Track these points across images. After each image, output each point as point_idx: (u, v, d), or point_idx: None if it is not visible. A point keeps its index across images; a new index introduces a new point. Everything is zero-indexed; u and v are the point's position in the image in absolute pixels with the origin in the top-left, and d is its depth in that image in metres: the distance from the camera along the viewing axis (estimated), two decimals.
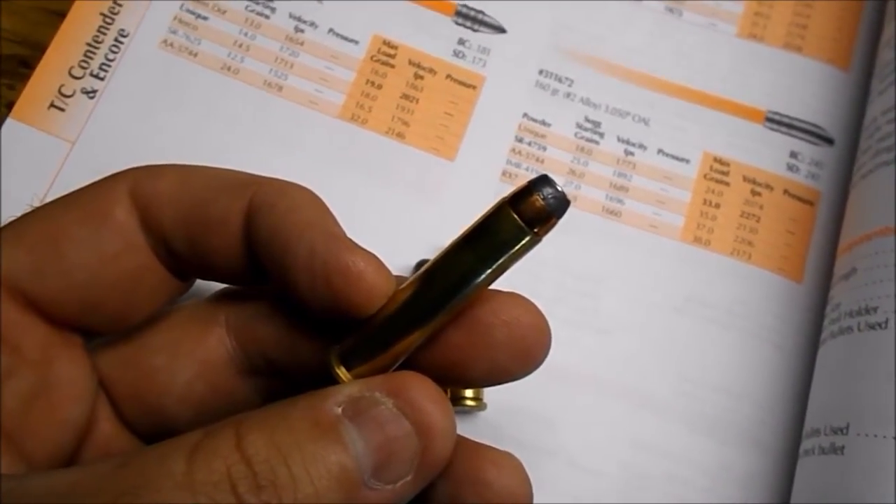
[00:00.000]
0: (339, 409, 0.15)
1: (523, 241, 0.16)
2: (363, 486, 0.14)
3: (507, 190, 0.28)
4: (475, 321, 0.17)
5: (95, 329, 0.18)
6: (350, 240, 0.17)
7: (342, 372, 0.16)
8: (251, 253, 0.18)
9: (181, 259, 0.18)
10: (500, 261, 0.16)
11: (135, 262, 0.18)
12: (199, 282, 0.26)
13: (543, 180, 0.16)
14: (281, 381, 0.19)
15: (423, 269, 0.17)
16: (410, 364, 0.17)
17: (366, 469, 0.14)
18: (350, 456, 0.14)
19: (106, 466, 0.14)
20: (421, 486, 0.15)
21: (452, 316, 0.17)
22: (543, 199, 0.16)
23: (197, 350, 0.18)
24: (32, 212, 0.18)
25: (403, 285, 0.17)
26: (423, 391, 0.15)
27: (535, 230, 0.16)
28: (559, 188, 0.16)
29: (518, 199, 0.16)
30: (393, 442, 0.15)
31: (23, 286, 0.17)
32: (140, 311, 0.18)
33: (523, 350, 0.17)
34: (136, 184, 0.18)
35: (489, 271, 0.16)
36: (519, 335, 0.17)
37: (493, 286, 0.17)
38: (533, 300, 0.27)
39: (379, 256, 0.17)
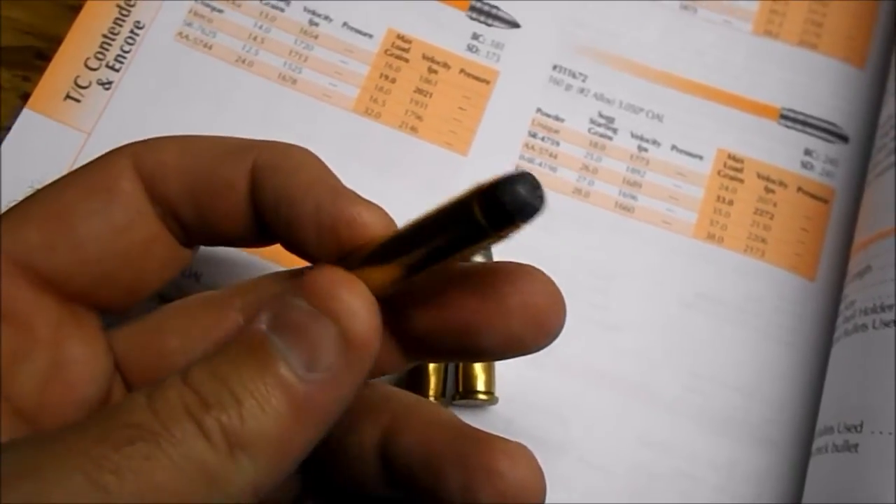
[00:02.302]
0: (264, 327, 0.15)
1: (482, 241, 0.15)
2: (300, 383, 0.15)
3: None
4: (490, 288, 0.17)
5: (108, 303, 0.18)
6: (354, 192, 0.17)
7: None
8: (257, 215, 0.18)
9: (188, 226, 0.18)
10: (459, 252, 0.16)
11: (145, 231, 0.18)
12: (211, 277, 0.26)
13: (518, 179, 0.14)
14: None
15: (395, 234, 0.17)
16: (427, 329, 0.17)
17: (298, 368, 0.15)
18: (280, 363, 0.15)
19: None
20: (360, 367, 0.16)
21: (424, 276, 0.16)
22: (513, 200, 0.14)
23: (211, 333, 0.19)
24: (36, 192, 0.18)
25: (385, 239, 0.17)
26: (329, 280, 0.16)
27: (498, 231, 0.15)
28: (536, 190, 0.14)
29: (486, 195, 0.14)
30: (312, 334, 0.15)
31: (34, 263, 0.17)
32: (151, 282, 0.19)
33: (537, 320, 0.17)
34: (138, 156, 0.18)
35: (447, 258, 0.16)
36: (533, 305, 0.17)
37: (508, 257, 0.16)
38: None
39: (379, 206, 0.17)
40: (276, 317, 0.16)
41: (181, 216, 0.18)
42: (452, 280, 0.17)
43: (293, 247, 0.18)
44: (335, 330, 0.15)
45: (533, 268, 0.17)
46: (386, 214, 0.17)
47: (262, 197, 0.18)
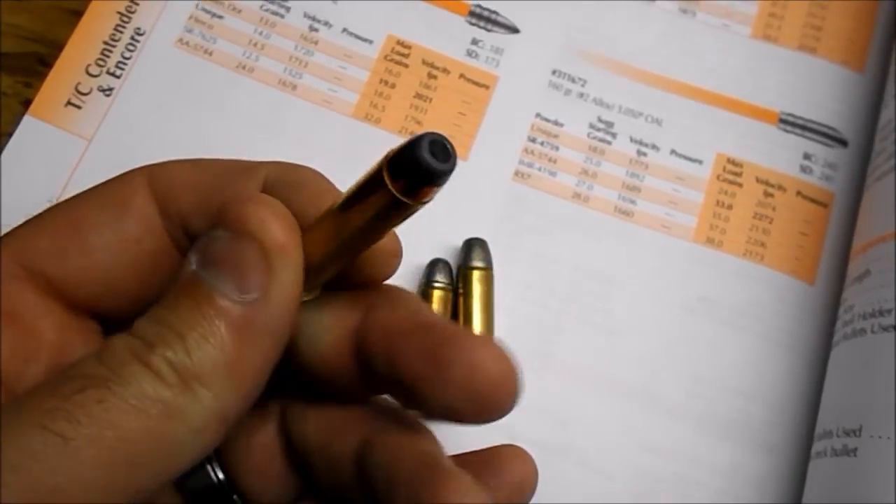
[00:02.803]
0: (194, 266, 0.16)
1: (399, 210, 0.15)
2: (236, 306, 0.15)
3: (520, 190, 0.28)
4: (437, 355, 0.16)
5: (113, 312, 0.19)
6: None
7: None
8: None
9: None
10: (378, 226, 0.16)
11: (154, 245, 0.18)
12: None
13: (424, 140, 0.14)
14: None
15: (325, 214, 0.16)
16: (383, 376, 0.17)
17: (231, 293, 0.15)
18: (214, 293, 0.15)
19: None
20: (290, 277, 0.16)
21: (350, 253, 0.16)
22: (423, 163, 0.14)
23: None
24: (54, 205, 0.19)
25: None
26: (240, 203, 0.16)
27: (413, 197, 0.14)
28: (443, 151, 0.14)
29: (396, 162, 0.14)
30: (235, 257, 0.16)
31: (44, 268, 0.18)
32: (155, 296, 0.19)
33: (480, 397, 0.16)
34: (153, 175, 0.19)
35: (369, 234, 0.16)
36: (478, 380, 0.16)
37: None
38: (544, 300, 0.27)
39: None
40: (203, 253, 0.16)
41: (193, 230, 0.19)
42: (412, 333, 0.17)
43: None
44: (255, 246, 0.16)
45: (489, 341, 0.17)
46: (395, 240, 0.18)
47: None
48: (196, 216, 0.18)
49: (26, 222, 0.18)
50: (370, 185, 0.15)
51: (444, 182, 0.14)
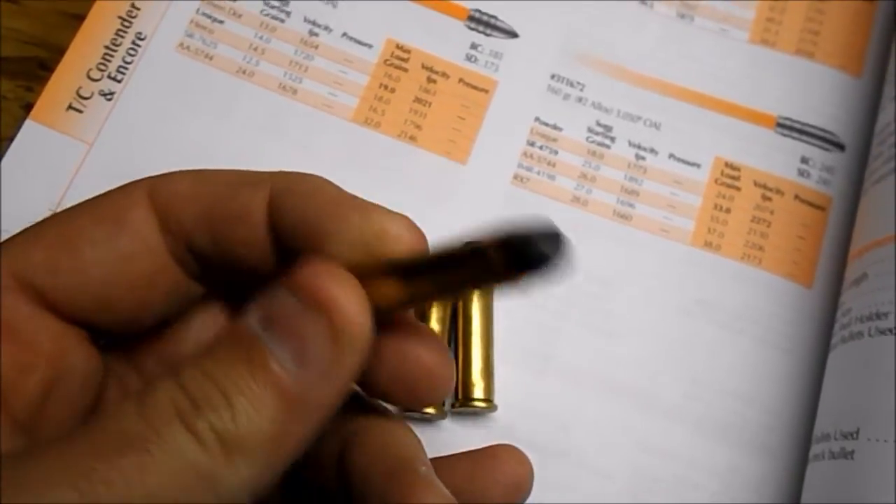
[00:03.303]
0: (255, 323, 0.15)
1: (496, 285, 0.15)
2: (292, 380, 0.15)
3: (520, 194, 0.28)
4: (378, 342, 0.17)
5: (107, 326, 0.19)
6: (379, 205, 0.17)
7: None
8: (277, 242, 0.18)
9: (204, 256, 0.18)
10: (469, 289, 0.16)
11: (150, 263, 0.18)
12: None
13: (541, 237, 0.14)
14: None
15: (419, 261, 0.17)
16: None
17: (288, 364, 0.15)
18: (270, 360, 0.15)
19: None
20: (352, 360, 0.16)
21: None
22: (535, 257, 0.14)
23: (214, 310, 0.19)
24: (51, 216, 0.19)
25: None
26: (315, 273, 0.16)
27: (515, 279, 0.15)
28: (559, 245, 0.14)
29: (508, 247, 0.14)
30: (301, 328, 0.15)
31: (37, 282, 0.17)
32: (152, 312, 0.19)
33: (411, 386, 0.17)
34: (154, 187, 0.18)
35: (456, 292, 0.16)
36: (414, 372, 0.17)
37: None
38: (543, 303, 0.27)
39: (408, 217, 0.17)
40: (265, 312, 0.15)
41: (197, 245, 0.18)
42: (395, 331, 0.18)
43: None
44: (324, 322, 0.15)
45: (430, 334, 0.18)
46: (413, 225, 0.17)
47: (283, 220, 0.18)
48: (199, 231, 0.18)
49: (24, 232, 0.18)
50: (462, 259, 0.15)
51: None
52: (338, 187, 0.18)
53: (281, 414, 0.15)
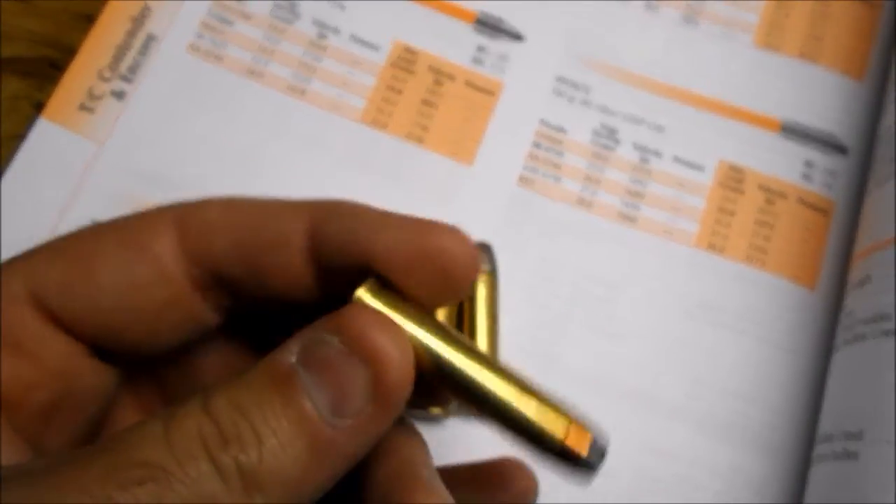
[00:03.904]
0: (294, 359, 0.15)
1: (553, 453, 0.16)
2: (325, 426, 0.15)
3: (525, 196, 0.29)
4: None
5: (115, 350, 0.18)
6: (430, 220, 0.17)
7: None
8: (318, 268, 0.17)
9: (237, 286, 0.18)
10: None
11: (164, 293, 0.18)
12: None
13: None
14: None
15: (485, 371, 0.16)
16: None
17: (324, 409, 0.15)
18: (306, 401, 0.15)
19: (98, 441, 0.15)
20: (389, 416, 0.15)
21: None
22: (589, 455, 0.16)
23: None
24: (75, 231, 0.18)
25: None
26: (365, 321, 0.15)
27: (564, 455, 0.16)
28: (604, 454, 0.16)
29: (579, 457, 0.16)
30: (343, 376, 0.15)
31: (50, 301, 0.17)
32: (164, 340, 0.18)
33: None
34: (183, 214, 0.18)
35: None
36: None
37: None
38: (548, 304, 0.27)
39: (461, 230, 0.17)
40: (306, 350, 0.15)
41: (227, 274, 0.18)
42: None
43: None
44: (367, 374, 0.15)
45: (450, 228, 0.17)
46: (467, 240, 0.17)
47: (327, 244, 0.17)
48: (231, 259, 0.18)
49: (46, 245, 0.18)
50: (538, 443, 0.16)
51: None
52: (377, 208, 0.17)
53: (307, 457, 0.15)
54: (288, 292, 0.18)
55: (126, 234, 0.18)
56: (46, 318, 0.17)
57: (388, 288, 0.16)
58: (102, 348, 0.18)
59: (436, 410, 0.26)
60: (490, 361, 0.16)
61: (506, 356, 0.27)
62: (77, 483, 0.14)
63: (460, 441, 0.24)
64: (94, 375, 0.18)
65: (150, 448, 0.14)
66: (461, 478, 0.18)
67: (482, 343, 0.26)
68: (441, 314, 0.26)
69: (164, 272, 0.18)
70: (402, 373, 0.15)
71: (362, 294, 0.16)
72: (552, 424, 0.16)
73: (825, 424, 0.25)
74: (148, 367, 0.19)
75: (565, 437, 0.16)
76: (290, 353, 0.15)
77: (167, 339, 0.18)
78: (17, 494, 0.14)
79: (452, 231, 0.17)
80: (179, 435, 0.14)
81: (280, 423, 0.14)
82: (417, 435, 0.18)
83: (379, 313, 0.16)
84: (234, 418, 0.14)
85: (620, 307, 0.28)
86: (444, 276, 0.16)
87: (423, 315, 0.16)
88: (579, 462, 0.16)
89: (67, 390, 0.18)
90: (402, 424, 0.18)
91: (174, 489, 0.14)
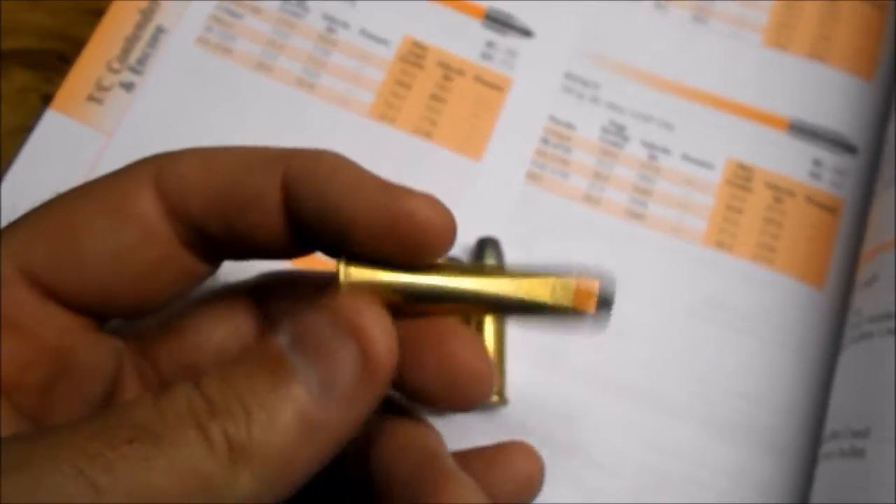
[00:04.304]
0: (284, 342, 0.15)
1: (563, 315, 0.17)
2: (314, 402, 0.15)
3: (533, 192, 0.29)
4: (416, 341, 0.17)
5: (114, 314, 0.18)
6: (402, 186, 0.17)
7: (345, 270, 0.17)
8: (293, 225, 0.18)
9: (216, 241, 0.18)
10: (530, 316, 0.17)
11: (153, 253, 0.18)
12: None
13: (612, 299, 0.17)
14: None
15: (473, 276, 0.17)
16: None
17: (312, 386, 0.15)
18: (295, 378, 0.15)
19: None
20: (376, 390, 0.16)
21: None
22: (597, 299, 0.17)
23: (231, 319, 0.19)
24: (53, 200, 0.18)
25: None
26: (353, 302, 0.16)
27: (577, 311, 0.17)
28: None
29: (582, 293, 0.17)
30: (331, 354, 0.15)
31: (40, 276, 0.17)
32: (160, 298, 0.19)
33: (452, 385, 0.17)
34: (160, 172, 0.18)
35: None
36: (451, 370, 0.17)
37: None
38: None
39: (434, 196, 0.17)
40: (297, 333, 0.15)
41: (208, 230, 0.18)
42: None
43: (339, 253, 0.17)
44: (355, 351, 0.15)
45: (466, 331, 0.18)
46: (441, 206, 0.17)
47: (301, 205, 0.17)
48: (209, 216, 0.18)
49: (25, 218, 0.18)
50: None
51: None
52: (354, 164, 0.18)
53: (295, 433, 0.15)
54: (267, 246, 0.18)
55: (107, 197, 0.18)
56: (40, 293, 0.17)
57: (360, 259, 0.17)
58: (100, 314, 0.18)
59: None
60: (479, 269, 0.17)
61: (514, 353, 0.27)
62: (69, 441, 0.14)
63: (466, 435, 0.24)
64: (92, 350, 0.18)
65: (140, 414, 0.14)
66: (467, 463, 0.18)
67: (489, 340, 0.26)
68: None
69: (151, 231, 0.18)
70: (388, 349, 0.16)
71: (343, 277, 0.17)
72: (556, 296, 0.17)
73: (832, 422, 0.25)
74: (155, 356, 0.19)
75: (573, 303, 0.17)
76: (279, 337, 0.15)
77: (164, 293, 0.19)
78: (9, 452, 0.14)
79: (426, 197, 0.17)
80: (169, 404, 0.15)
81: (269, 399, 0.15)
82: (434, 429, 0.18)
83: (365, 295, 0.16)
84: (224, 393, 0.15)
85: (627, 304, 0.28)
86: (417, 239, 0.17)
87: (398, 271, 0.17)
88: (593, 315, 0.17)
89: (66, 366, 0.18)
90: (418, 419, 0.18)
91: (162, 450, 0.14)
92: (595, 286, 0.17)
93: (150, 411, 0.14)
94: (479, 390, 0.17)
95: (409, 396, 0.18)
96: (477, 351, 0.17)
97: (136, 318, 0.19)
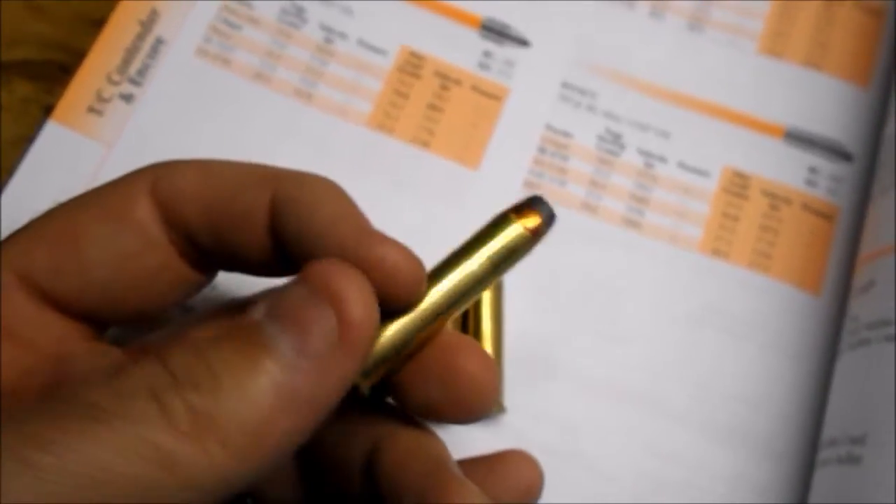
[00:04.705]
0: (260, 312, 0.15)
1: (525, 245, 0.18)
2: (289, 369, 0.14)
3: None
4: (421, 354, 0.17)
5: (113, 321, 0.19)
6: (378, 232, 0.17)
7: None
8: (278, 245, 0.18)
9: (207, 253, 0.18)
10: (507, 264, 0.18)
11: (153, 260, 0.18)
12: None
13: (540, 200, 0.19)
14: None
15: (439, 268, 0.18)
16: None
17: (288, 352, 0.14)
18: (269, 346, 0.14)
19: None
20: (354, 357, 0.15)
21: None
22: (540, 213, 0.18)
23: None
24: (54, 209, 0.18)
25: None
26: (328, 267, 0.15)
27: (535, 235, 0.18)
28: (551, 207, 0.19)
29: (520, 210, 0.19)
30: (306, 318, 0.15)
31: (40, 282, 0.17)
32: (158, 305, 0.19)
33: (456, 397, 0.17)
34: (157, 181, 0.18)
35: (495, 273, 0.18)
36: (456, 382, 0.17)
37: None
38: (553, 308, 0.28)
39: (406, 246, 0.17)
40: (272, 305, 0.15)
41: (199, 242, 0.18)
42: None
43: None
44: (330, 314, 0.15)
45: (472, 344, 0.18)
46: (412, 255, 0.17)
47: (284, 229, 0.17)
48: (202, 228, 0.18)
49: (26, 228, 0.18)
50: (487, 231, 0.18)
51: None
52: (342, 200, 0.18)
53: (269, 402, 0.14)
54: (254, 261, 0.18)
55: (106, 204, 0.18)
56: (38, 300, 0.17)
57: None
58: (99, 321, 0.18)
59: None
60: (440, 271, 0.18)
61: (511, 360, 0.27)
62: (16, 424, 0.13)
63: (464, 443, 0.24)
64: (90, 358, 0.18)
65: (94, 391, 0.14)
66: (466, 472, 0.18)
67: (487, 347, 0.26)
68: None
69: (150, 239, 0.18)
70: (365, 311, 0.15)
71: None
72: (514, 241, 0.18)
73: (829, 429, 0.25)
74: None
75: (525, 235, 0.18)
76: (255, 311, 0.15)
77: (161, 300, 0.18)
78: None
79: (397, 245, 0.17)
80: (125, 379, 0.14)
81: (239, 363, 0.14)
82: (437, 438, 0.18)
83: (338, 260, 0.16)
84: (189, 365, 0.14)
85: (625, 312, 0.28)
86: (387, 284, 0.16)
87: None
88: (541, 233, 0.18)
89: (63, 374, 0.17)
90: (422, 427, 0.18)
91: (112, 427, 0.13)
92: (533, 209, 0.18)
93: (104, 389, 0.14)
94: (486, 402, 0.17)
95: (416, 412, 0.18)
96: (482, 362, 0.17)
97: (133, 325, 0.19)
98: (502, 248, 0.18)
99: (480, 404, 0.17)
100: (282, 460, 0.15)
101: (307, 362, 0.14)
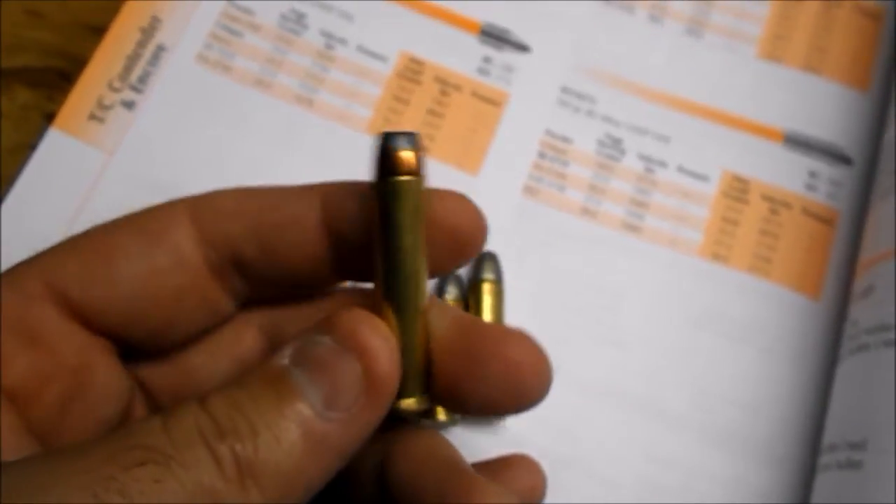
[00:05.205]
0: (287, 361, 0.16)
1: (415, 189, 0.17)
2: (319, 419, 0.15)
3: (530, 205, 0.29)
4: (474, 352, 0.17)
5: (135, 341, 0.19)
6: (444, 189, 0.18)
7: None
8: (333, 247, 0.18)
9: (251, 266, 0.18)
10: (417, 218, 0.17)
11: (182, 278, 0.18)
12: None
13: (392, 137, 0.17)
14: None
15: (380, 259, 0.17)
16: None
17: (317, 403, 0.15)
18: (299, 396, 0.15)
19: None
20: (380, 407, 0.16)
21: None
22: (399, 150, 0.17)
23: (234, 349, 0.19)
24: (90, 229, 0.19)
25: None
26: (354, 319, 0.16)
27: (417, 175, 0.17)
28: (405, 137, 0.17)
29: (384, 166, 0.17)
30: (334, 371, 0.16)
31: (68, 292, 0.18)
32: (181, 328, 0.19)
33: (515, 388, 0.17)
34: (196, 204, 0.19)
35: (418, 231, 0.17)
36: (514, 373, 0.17)
37: (501, 321, 0.17)
38: (552, 313, 0.28)
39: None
40: (300, 351, 0.16)
41: (245, 257, 0.18)
42: (445, 339, 0.18)
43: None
44: (358, 368, 0.16)
45: (522, 335, 0.18)
46: (473, 206, 0.19)
47: (342, 223, 0.18)
48: (247, 242, 0.18)
49: (62, 243, 0.18)
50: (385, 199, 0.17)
51: (402, 145, 0.17)
52: None
53: (302, 451, 0.15)
54: (303, 271, 0.18)
55: (143, 224, 0.18)
56: (65, 311, 0.18)
57: None
58: (122, 339, 0.18)
59: (441, 418, 0.26)
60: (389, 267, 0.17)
61: None
62: (80, 463, 0.14)
63: (466, 449, 0.24)
64: (108, 373, 0.18)
65: (150, 436, 0.15)
66: None
67: None
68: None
69: (182, 258, 0.18)
70: (390, 364, 0.16)
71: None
72: (409, 192, 0.17)
73: (829, 434, 0.25)
74: (169, 385, 0.20)
75: (412, 180, 0.17)
76: (283, 357, 0.16)
77: (184, 326, 0.19)
78: (23, 476, 0.14)
79: (461, 199, 0.18)
80: (177, 426, 0.15)
81: (274, 418, 0.15)
82: (448, 442, 0.19)
83: (364, 312, 0.16)
84: (229, 413, 0.15)
85: (624, 316, 0.28)
86: (453, 240, 0.18)
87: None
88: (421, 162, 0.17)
89: (82, 386, 0.18)
90: (431, 431, 0.19)
91: (173, 472, 0.14)
92: (395, 153, 0.17)
93: (159, 432, 0.15)
94: (543, 385, 0.18)
95: (476, 411, 0.18)
96: (532, 349, 0.18)
97: (152, 349, 0.19)
98: (409, 210, 0.17)
99: (539, 389, 0.18)
100: (307, 498, 0.16)
101: (336, 412, 0.15)
